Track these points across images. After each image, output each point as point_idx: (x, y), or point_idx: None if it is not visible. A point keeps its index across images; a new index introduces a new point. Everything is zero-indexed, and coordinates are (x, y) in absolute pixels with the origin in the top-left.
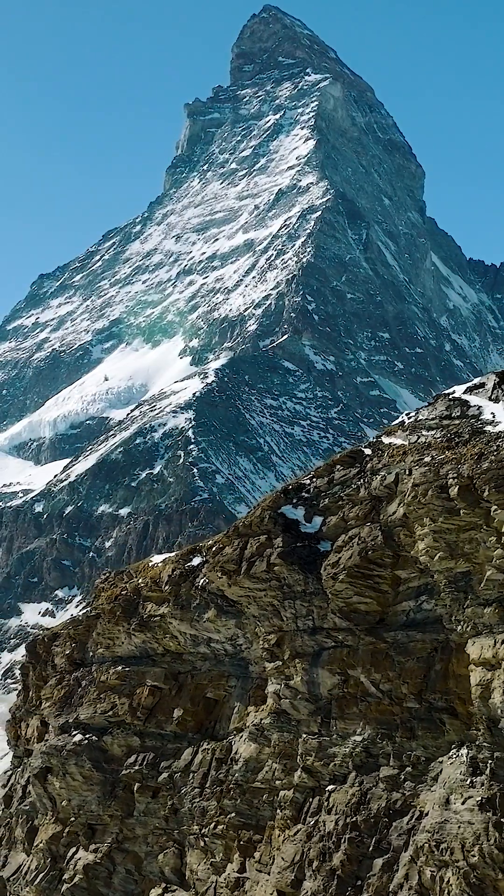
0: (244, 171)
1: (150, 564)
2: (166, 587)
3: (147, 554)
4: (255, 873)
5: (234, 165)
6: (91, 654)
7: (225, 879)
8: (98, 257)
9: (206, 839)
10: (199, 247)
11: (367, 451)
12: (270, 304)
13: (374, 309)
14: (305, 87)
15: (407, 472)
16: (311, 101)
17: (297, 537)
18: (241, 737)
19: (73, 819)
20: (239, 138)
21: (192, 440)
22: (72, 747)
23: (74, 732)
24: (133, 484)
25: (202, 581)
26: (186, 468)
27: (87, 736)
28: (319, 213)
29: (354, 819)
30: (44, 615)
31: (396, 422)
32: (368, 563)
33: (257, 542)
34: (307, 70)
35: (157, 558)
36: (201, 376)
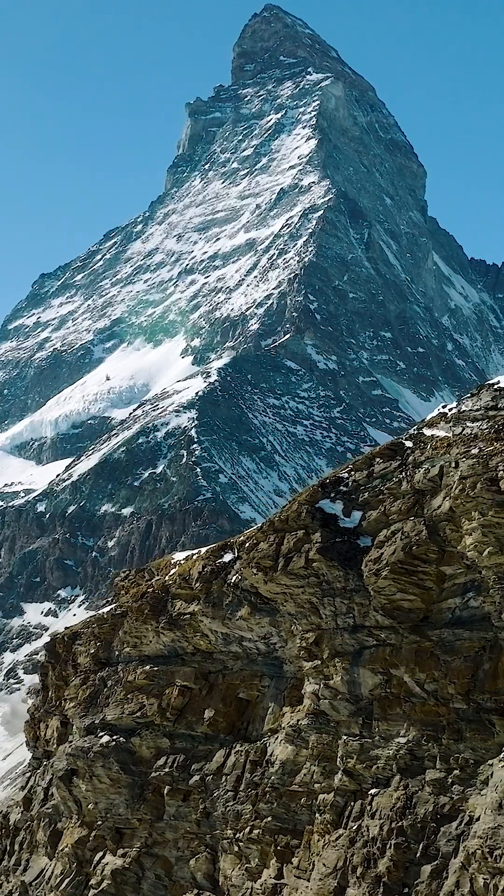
0: (245, 171)
1: (173, 561)
2: (197, 584)
3: (150, 554)
4: (293, 879)
5: (235, 165)
6: (117, 653)
7: (261, 885)
8: (99, 257)
9: (241, 844)
10: (201, 246)
11: (408, 444)
12: (272, 303)
13: (376, 308)
14: (307, 87)
15: (453, 465)
16: (313, 101)
17: (335, 532)
18: (277, 738)
19: (99, 823)
20: (240, 137)
21: (195, 439)
22: (99, 749)
23: (101, 734)
24: (136, 483)
25: (234, 578)
26: (189, 467)
27: (115, 737)
28: (321, 212)
29: (400, 824)
30: (46, 615)
31: (435, 413)
32: (412, 558)
33: (294, 537)
34: (308, 69)
35: (178, 555)
36: (204, 375)
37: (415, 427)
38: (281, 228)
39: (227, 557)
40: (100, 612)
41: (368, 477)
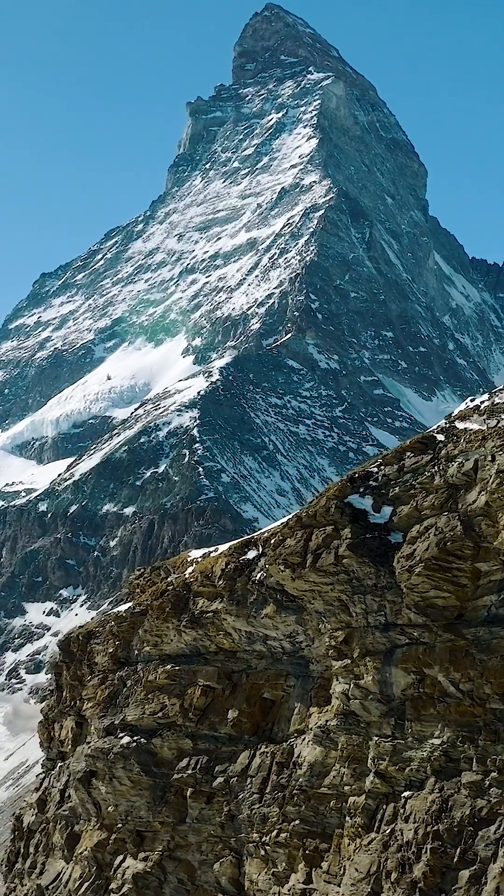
0: (247, 170)
1: (189, 559)
2: (220, 582)
3: (152, 553)
4: (323, 884)
5: (236, 164)
6: (136, 652)
7: (289, 890)
8: (100, 256)
9: (268, 847)
10: (202, 245)
11: (440, 437)
12: (274, 302)
13: (377, 308)
14: (308, 86)
15: (488, 459)
16: (314, 100)
17: (365, 528)
18: (304, 739)
19: (120, 825)
20: (241, 137)
21: (197, 439)
22: (119, 750)
23: (121, 734)
24: (138, 483)
25: (259, 575)
26: (191, 467)
27: (135, 738)
28: (322, 211)
29: (436, 828)
30: (48, 615)
31: (467, 405)
32: (447, 554)
33: (323, 533)
34: (309, 68)
35: (194, 553)
36: (206, 375)
37: (445, 420)
38: (282, 228)
39: (251, 554)
40: (114, 610)
41: (399, 471)
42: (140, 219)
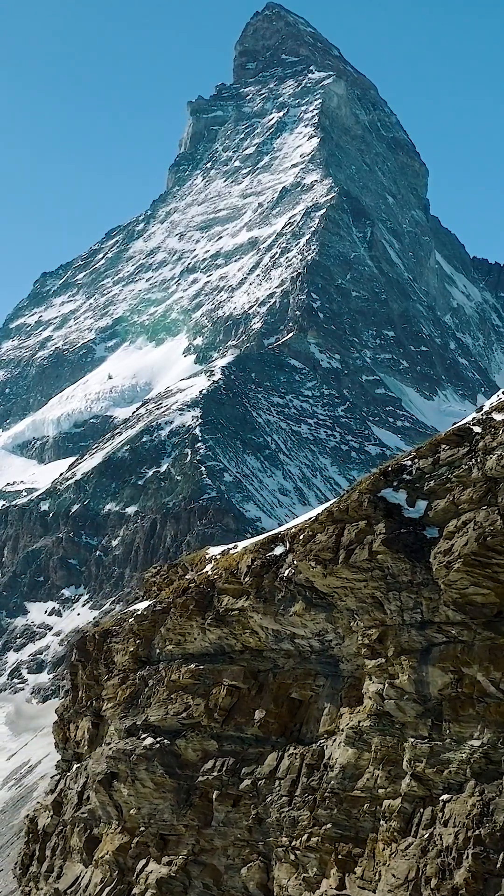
0: (248, 169)
1: (208, 556)
2: (246, 579)
3: (154, 553)
4: (357, 890)
5: (237, 163)
6: (158, 651)
7: None
8: (101, 255)
9: (298, 852)
10: (203, 245)
11: (477, 429)
12: (275, 302)
13: (379, 307)
14: (309, 85)
15: None
16: (315, 99)
17: (400, 523)
18: (335, 741)
19: (142, 829)
20: (242, 136)
21: (200, 438)
22: (142, 751)
23: (143, 735)
24: (140, 482)
25: (288, 572)
26: (194, 466)
27: (158, 739)
28: (324, 210)
29: (477, 832)
30: (50, 614)
31: (500, 397)
32: (487, 550)
33: (356, 528)
34: (310, 68)
35: (214, 550)
36: (208, 374)
37: (480, 411)
38: (283, 227)
39: (278, 550)
40: (131, 608)
41: (434, 464)
42: (141, 218)
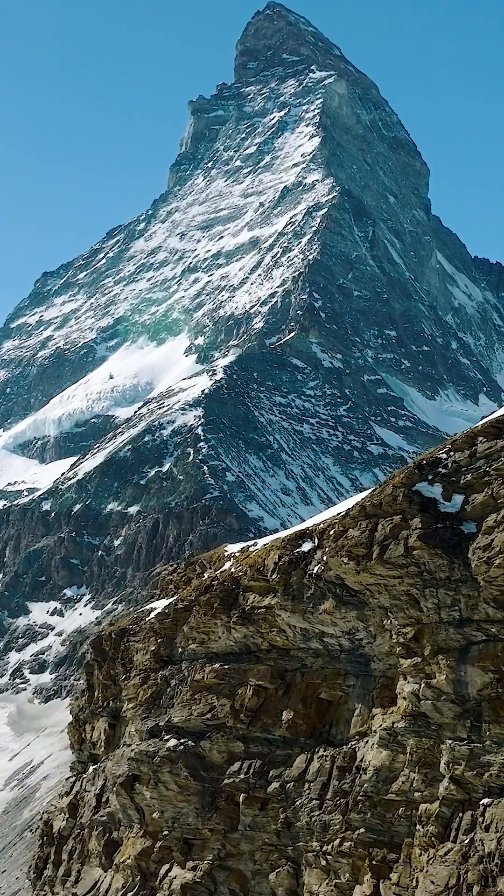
0: (249, 169)
1: (227, 553)
2: (273, 576)
3: (157, 553)
4: None
5: (238, 163)
6: (180, 650)
7: None
8: (102, 255)
9: (329, 857)
10: (204, 244)
11: None
12: (277, 301)
13: (380, 307)
14: (310, 85)
15: None
16: (316, 99)
17: (436, 517)
18: (367, 742)
19: (166, 833)
20: (243, 136)
21: (202, 437)
22: (165, 753)
23: (167, 737)
24: (142, 482)
25: (317, 568)
26: (196, 466)
27: (182, 741)
28: (325, 210)
29: None
30: (52, 614)
31: None
32: None
33: (390, 523)
34: (312, 67)
35: (232, 547)
36: (210, 373)
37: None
38: (285, 226)
39: (306, 547)
40: (148, 606)
41: (471, 457)
42: (142, 218)
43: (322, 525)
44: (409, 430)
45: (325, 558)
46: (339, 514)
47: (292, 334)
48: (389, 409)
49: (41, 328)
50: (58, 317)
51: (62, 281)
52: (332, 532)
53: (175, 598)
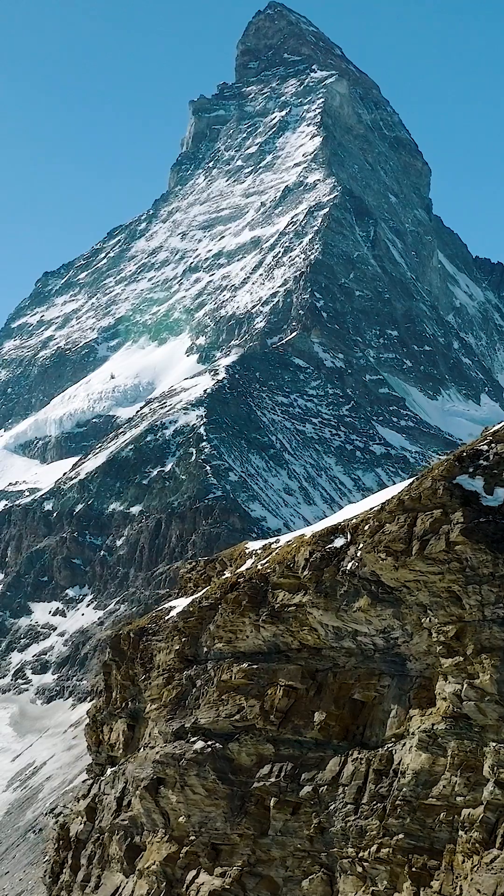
0: (250, 168)
1: (248, 551)
2: (304, 573)
3: (160, 552)
4: None
5: (239, 162)
6: (206, 649)
7: None
8: (103, 255)
9: (366, 864)
10: (205, 244)
11: None
12: (278, 301)
13: (382, 306)
14: (311, 84)
15: None
16: (317, 98)
17: (478, 511)
18: (405, 745)
19: (192, 838)
20: (244, 135)
21: (204, 437)
22: (192, 756)
23: (193, 739)
24: (144, 482)
25: (351, 565)
26: (199, 465)
27: (210, 743)
28: (327, 209)
29: None
30: (54, 614)
31: None
32: None
33: (430, 517)
34: (313, 67)
35: (253, 544)
36: (212, 373)
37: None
38: (286, 226)
39: (339, 542)
40: (167, 604)
41: None
42: (143, 217)
43: (355, 520)
44: (412, 430)
45: (359, 554)
46: (372, 508)
47: (294, 334)
48: (391, 408)
49: (42, 328)
50: (59, 317)
51: (63, 281)
52: (367, 527)
53: (199, 595)
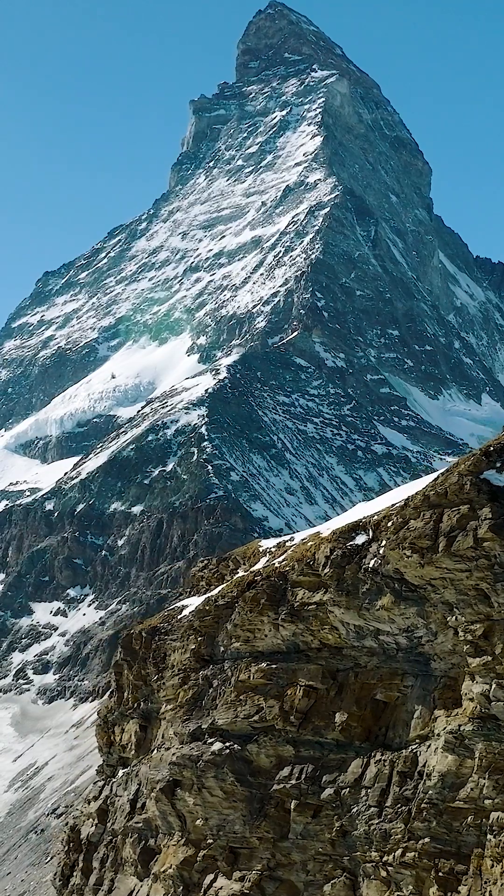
0: (251, 168)
1: (262, 549)
2: (325, 570)
3: (161, 552)
4: None
5: (240, 162)
6: (222, 648)
7: None
8: (104, 255)
9: (390, 868)
10: (206, 244)
11: None
12: (279, 300)
13: (383, 306)
14: (312, 84)
15: None
16: (318, 98)
17: None
18: (430, 746)
19: (210, 841)
20: (245, 135)
21: (206, 437)
22: (210, 757)
23: (211, 740)
24: (146, 481)
25: (373, 562)
26: (200, 465)
27: (228, 744)
28: (328, 209)
29: None
30: (55, 614)
31: None
32: None
33: (457, 513)
34: (313, 66)
35: (266, 542)
36: (213, 373)
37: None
38: (287, 226)
39: (360, 539)
40: (180, 603)
41: None
42: (144, 217)
43: (376, 517)
44: (413, 429)
45: (382, 551)
46: (395, 504)
47: (295, 333)
48: (393, 408)
49: (42, 328)
50: (59, 316)
51: (63, 280)
52: (390, 524)
53: (215, 594)
